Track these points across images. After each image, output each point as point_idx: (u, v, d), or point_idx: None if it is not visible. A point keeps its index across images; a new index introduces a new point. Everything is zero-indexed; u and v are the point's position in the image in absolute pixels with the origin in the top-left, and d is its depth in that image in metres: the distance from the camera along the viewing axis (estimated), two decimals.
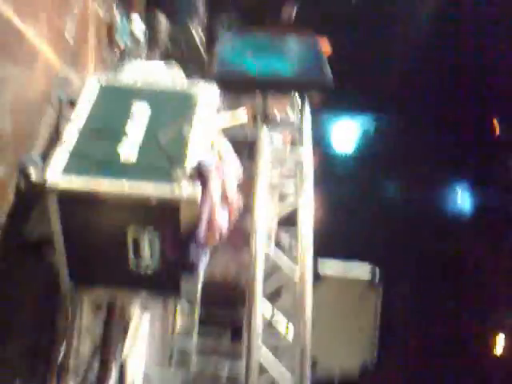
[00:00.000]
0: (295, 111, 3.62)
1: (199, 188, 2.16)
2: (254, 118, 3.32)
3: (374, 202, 9.21)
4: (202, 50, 4.75)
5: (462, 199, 9.81)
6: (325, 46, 4.72)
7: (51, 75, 2.26)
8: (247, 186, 2.80)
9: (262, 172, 2.96)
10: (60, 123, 2.29)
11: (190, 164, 2.20)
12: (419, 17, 9.29)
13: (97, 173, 2.13)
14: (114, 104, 2.42)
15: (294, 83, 3.56)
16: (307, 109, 3.50)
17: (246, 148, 3.23)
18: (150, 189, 2.13)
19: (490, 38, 8.52)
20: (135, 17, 3.26)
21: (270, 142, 3.26)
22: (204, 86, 2.67)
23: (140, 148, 2.22)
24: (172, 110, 2.51)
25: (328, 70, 3.58)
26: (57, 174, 2.07)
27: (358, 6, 8.86)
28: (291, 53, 3.91)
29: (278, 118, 3.56)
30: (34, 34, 2.10)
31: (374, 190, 9.52)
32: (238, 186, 2.54)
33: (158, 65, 3.12)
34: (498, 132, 9.29)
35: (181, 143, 2.30)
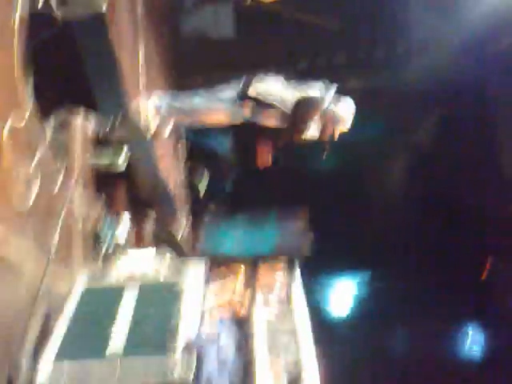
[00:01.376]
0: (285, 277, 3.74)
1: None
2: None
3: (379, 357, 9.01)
4: (184, 247, 5.00)
5: (469, 344, 9.57)
6: (303, 214, 5.06)
7: (36, 285, 2.37)
8: None
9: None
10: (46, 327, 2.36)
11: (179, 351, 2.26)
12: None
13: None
14: (100, 304, 2.52)
15: (276, 254, 3.76)
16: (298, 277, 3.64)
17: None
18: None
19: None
20: (121, 216, 3.45)
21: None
22: (192, 262, 2.83)
23: (127, 341, 2.29)
24: (159, 303, 2.61)
25: (306, 241, 3.82)
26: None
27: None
28: (271, 230, 4.18)
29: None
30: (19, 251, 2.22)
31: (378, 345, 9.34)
32: None
33: (145, 254, 3.29)
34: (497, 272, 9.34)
35: (169, 333, 2.37)
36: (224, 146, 8.44)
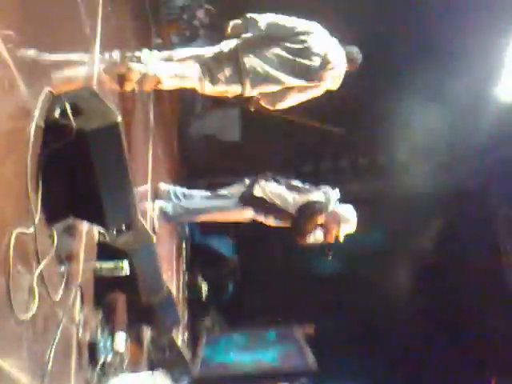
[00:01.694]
0: None
1: None
2: None
3: None
4: (185, 353, 4.87)
5: None
6: (308, 330, 4.97)
7: None
8: None
9: None
10: None
11: None
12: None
13: None
14: None
15: (279, 371, 3.63)
16: None
17: None
18: None
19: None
20: (118, 334, 3.37)
21: None
22: None
23: None
24: None
25: (310, 356, 3.69)
26: None
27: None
28: (272, 344, 4.07)
29: None
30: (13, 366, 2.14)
31: None
32: None
33: (144, 376, 3.18)
34: None
35: None
36: (227, 247, 8.42)
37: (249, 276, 9.09)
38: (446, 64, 8.17)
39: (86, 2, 3.24)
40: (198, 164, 9.23)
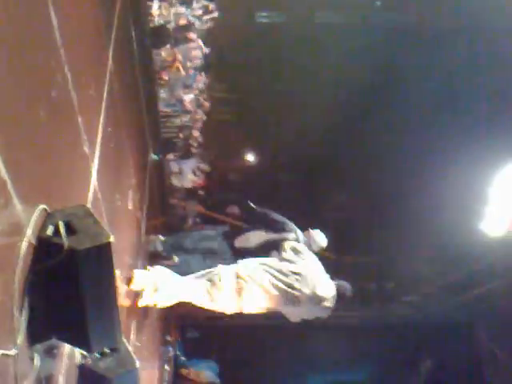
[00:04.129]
0: None
1: None
2: None
3: None
4: None
5: None
6: None
7: None
8: None
9: None
10: None
11: None
12: None
13: None
14: None
15: None
16: None
17: None
18: None
19: None
20: None
21: None
22: None
23: None
24: None
25: None
26: None
27: None
28: None
29: None
30: None
31: None
32: None
33: None
34: None
35: None
36: (212, 371, 8.13)
37: None
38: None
39: (86, 121, 3.34)
40: None
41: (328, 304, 4.99)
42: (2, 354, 2.05)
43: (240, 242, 6.83)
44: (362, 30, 8.93)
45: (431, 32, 8.66)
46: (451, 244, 8.32)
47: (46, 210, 2.53)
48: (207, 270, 5.11)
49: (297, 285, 4.91)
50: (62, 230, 2.40)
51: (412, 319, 9.69)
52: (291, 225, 6.40)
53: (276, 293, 4.91)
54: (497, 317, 9.11)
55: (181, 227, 9.36)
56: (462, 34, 8.32)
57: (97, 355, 3.03)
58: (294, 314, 5.13)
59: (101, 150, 3.69)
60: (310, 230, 6.11)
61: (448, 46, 8.28)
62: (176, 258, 6.37)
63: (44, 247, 2.39)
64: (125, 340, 3.44)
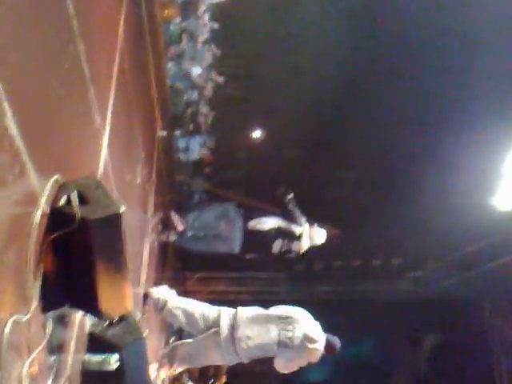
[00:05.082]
0: None
1: None
2: None
3: None
4: None
5: None
6: None
7: None
8: None
9: None
10: None
11: None
12: None
13: None
14: None
15: None
16: None
17: None
18: None
19: None
20: None
21: None
22: None
23: None
24: None
25: None
26: None
27: None
28: None
29: None
30: None
31: None
32: None
33: None
34: None
35: None
36: None
37: None
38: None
39: (98, 97, 3.35)
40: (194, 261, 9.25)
41: (319, 347, 5.14)
42: (15, 321, 2.09)
43: (254, 223, 7.20)
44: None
45: None
46: (462, 219, 8.31)
47: (58, 180, 2.56)
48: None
49: (289, 327, 5.08)
50: (75, 200, 2.44)
51: (418, 295, 9.73)
52: (303, 220, 7.13)
53: (270, 335, 5.09)
54: (504, 293, 9.14)
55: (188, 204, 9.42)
56: None
57: (106, 323, 3.11)
58: (284, 361, 5.26)
59: (111, 123, 3.72)
60: (316, 227, 7.12)
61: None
62: None
63: (57, 217, 2.43)
64: (134, 309, 3.51)
